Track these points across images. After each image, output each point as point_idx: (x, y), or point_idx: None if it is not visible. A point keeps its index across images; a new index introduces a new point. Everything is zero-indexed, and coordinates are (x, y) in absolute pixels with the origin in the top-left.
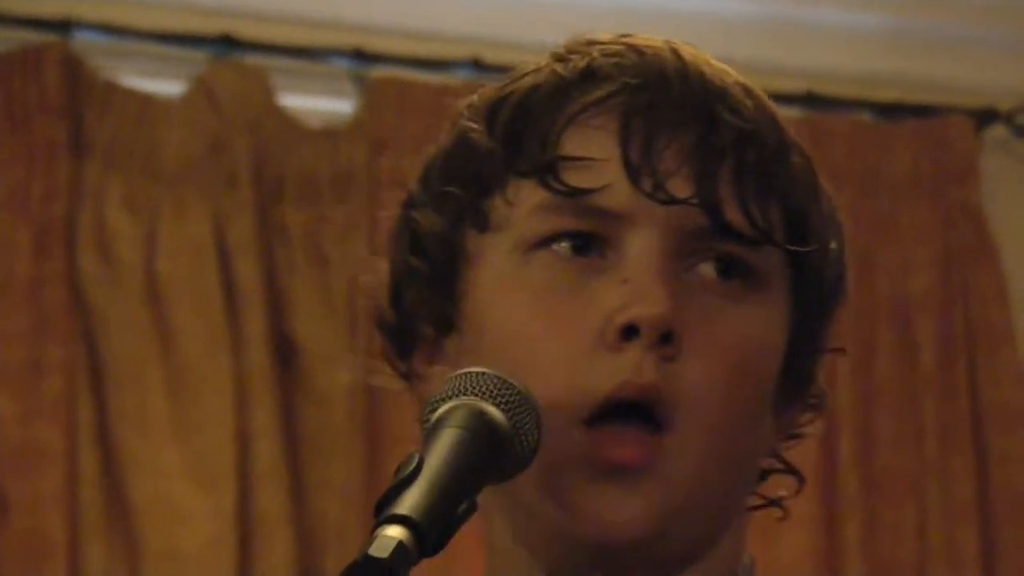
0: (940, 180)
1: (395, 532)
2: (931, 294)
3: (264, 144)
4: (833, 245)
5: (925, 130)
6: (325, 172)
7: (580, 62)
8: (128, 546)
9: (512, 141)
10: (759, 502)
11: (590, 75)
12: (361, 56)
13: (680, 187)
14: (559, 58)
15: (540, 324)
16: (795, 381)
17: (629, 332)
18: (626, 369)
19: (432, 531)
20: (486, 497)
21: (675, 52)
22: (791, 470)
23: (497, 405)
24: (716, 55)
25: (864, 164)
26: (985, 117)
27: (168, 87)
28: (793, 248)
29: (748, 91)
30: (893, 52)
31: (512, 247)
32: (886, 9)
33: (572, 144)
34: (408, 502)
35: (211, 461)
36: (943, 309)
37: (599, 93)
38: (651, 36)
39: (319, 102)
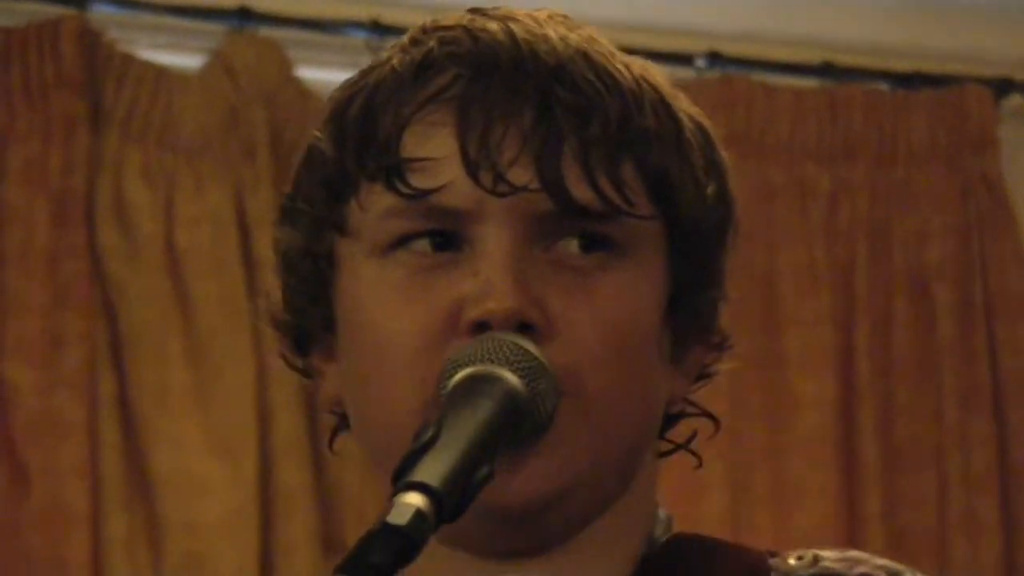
0: (958, 150)
1: (413, 499)
2: (949, 263)
3: (281, 116)
4: (710, 190)
5: (943, 100)
6: None
7: (418, 53)
8: (149, 518)
9: (358, 147)
10: (668, 448)
11: (427, 67)
12: (378, 28)
13: (522, 174)
14: (403, 48)
15: (398, 319)
16: (690, 325)
17: (480, 328)
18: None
19: (450, 498)
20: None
21: (507, 31)
22: (703, 412)
23: (514, 371)
24: (733, 26)
25: (881, 134)
26: (1003, 86)
27: (185, 60)
28: (645, 216)
29: (589, 59)
30: (910, 22)
31: (369, 251)
32: None
33: (413, 143)
34: (426, 469)
35: (232, 433)
36: (961, 278)
37: (434, 87)
38: (494, 11)
39: (336, 74)
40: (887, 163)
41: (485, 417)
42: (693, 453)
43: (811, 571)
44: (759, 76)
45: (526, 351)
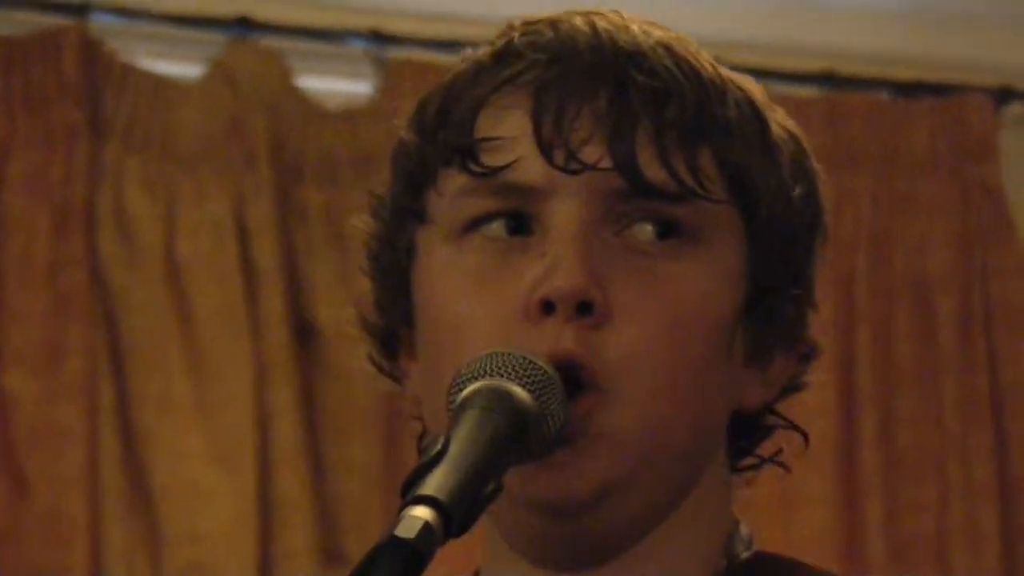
0: (958, 158)
1: (421, 513)
2: (950, 272)
3: (282, 126)
4: (796, 191)
5: (943, 108)
6: (343, 153)
7: (499, 44)
8: (149, 527)
9: (435, 133)
10: (753, 462)
11: (505, 56)
12: (379, 37)
13: (594, 154)
14: (489, 43)
15: (469, 305)
16: (771, 329)
17: (547, 306)
18: (545, 341)
19: (458, 512)
20: None
21: (590, 23)
22: (791, 425)
23: (523, 385)
24: (734, 35)
25: (882, 143)
26: (1004, 95)
27: (186, 69)
28: (721, 200)
29: (670, 50)
30: (911, 30)
31: (445, 236)
32: None
33: (487, 124)
34: (434, 483)
35: (231, 442)
36: (962, 287)
37: (510, 72)
38: (597, 9)
39: (337, 84)
40: (888, 172)
41: (494, 431)
42: (783, 466)
43: None
44: (760, 85)
45: (536, 365)
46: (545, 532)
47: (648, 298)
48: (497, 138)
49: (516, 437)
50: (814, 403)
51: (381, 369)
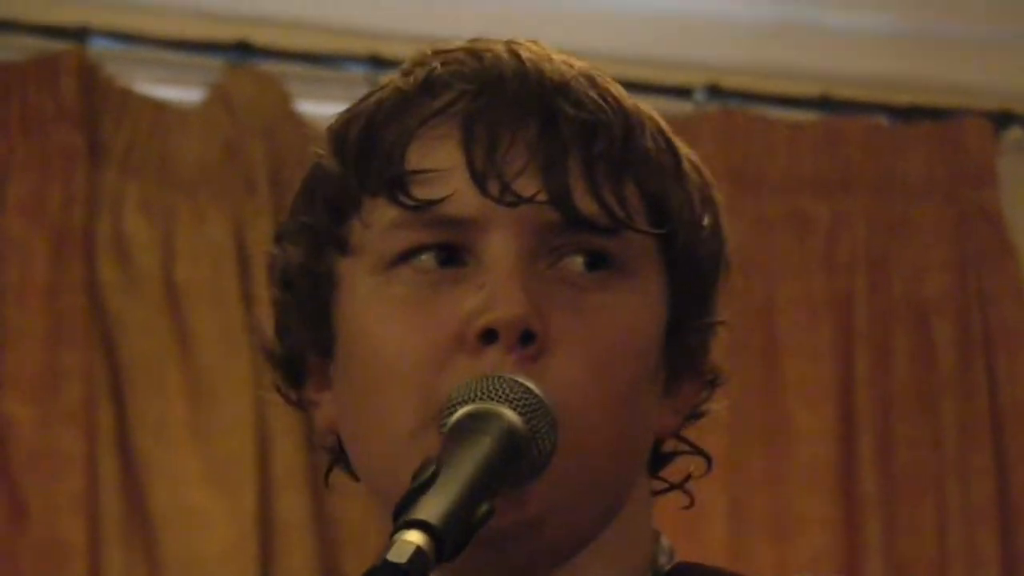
0: (956, 183)
1: (413, 537)
2: (948, 297)
3: (281, 150)
4: (705, 221)
5: (941, 133)
6: None
7: (420, 74)
8: (148, 552)
9: (360, 162)
10: (663, 487)
11: (430, 86)
12: (377, 62)
13: (528, 185)
14: (404, 72)
15: (400, 335)
16: (683, 359)
17: (488, 336)
18: (485, 371)
19: (450, 535)
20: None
21: (513, 53)
22: (696, 450)
23: (514, 409)
24: (732, 59)
25: (880, 167)
26: (1002, 119)
27: (184, 94)
28: (651, 231)
29: (593, 81)
30: (909, 55)
31: (372, 267)
32: (901, 12)
33: (417, 157)
34: (426, 507)
35: (230, 466)
36: (960, 311)
37: (439, 103)
38: (495, 39)
39: (336, 108)
40: (885, 196)
41: (485, 455)
42: (687, 493)
43: None
44: (757, 109)
45: (526, 388)
46: (473, 559)
47: (582, 329)
48: (429, 170)
49: (507, 460)
50: (812, 425)
51: (286, 398)
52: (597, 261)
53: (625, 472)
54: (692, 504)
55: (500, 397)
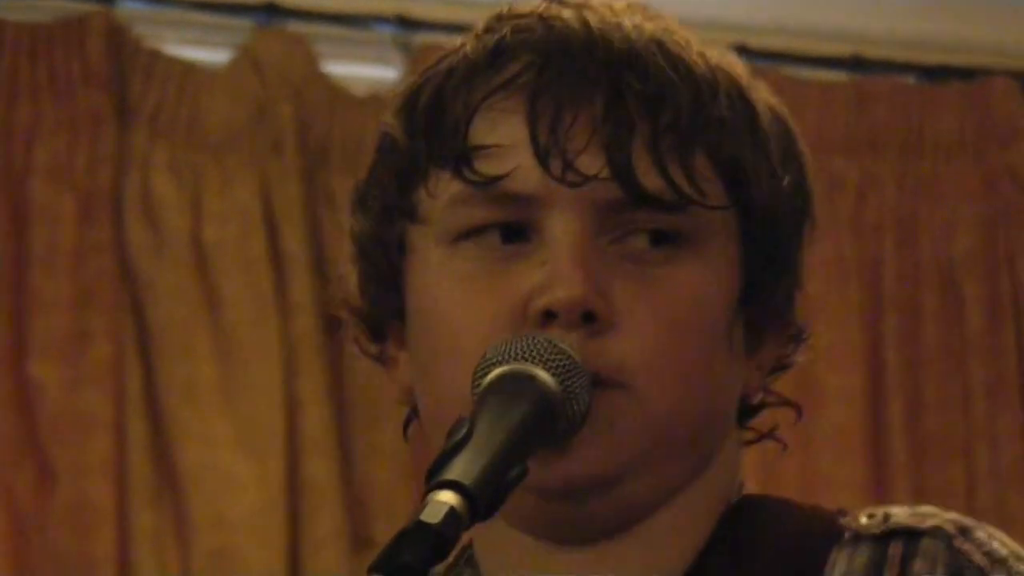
0: (984, 142)
1: (446, 497)
2: (976, 256)
3: (309, 111)
4: (786, 179)
5: (969, 92)
6: (370, 139)
7: (490, 41)
8: (176, 514)
9: (428, 132)
10: (752, 437)
11: (498, 54)
12: (404, 22)
13: (591, 162)
14: (476, 36)
15: (466, 310)
16: (764, 317)
17: (548, 316)
18: None
19: (483, 496)
20: None
21: (581, 19)
22: (784, 401)
23: (547, 369)
24: (761, 19)
25: (908, 127)
26: None
27: (212, 55)
28: (718, 206)
29: (663, 48)
30: (937, 15)
31: (438, 239)
32: None
33: (482, 131)
34: (459, 467)
35: (259, 428)
36: (989, 271)
37: (506, 75)
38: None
39: (363, 69)
40: (914, 156)
41: (518, 416)
42: (778, 440)
43: (883, 528)
44: (787, 69)
45: (560, 349)
46: (550, 514)
47: (647, 304)
48: (493, 146)
49: (541, 421)
50: (841, 387)
51: (367, 352)
52: (662, 238)
53: (704, 433)
54: (785, 448)
55: (534, 357)
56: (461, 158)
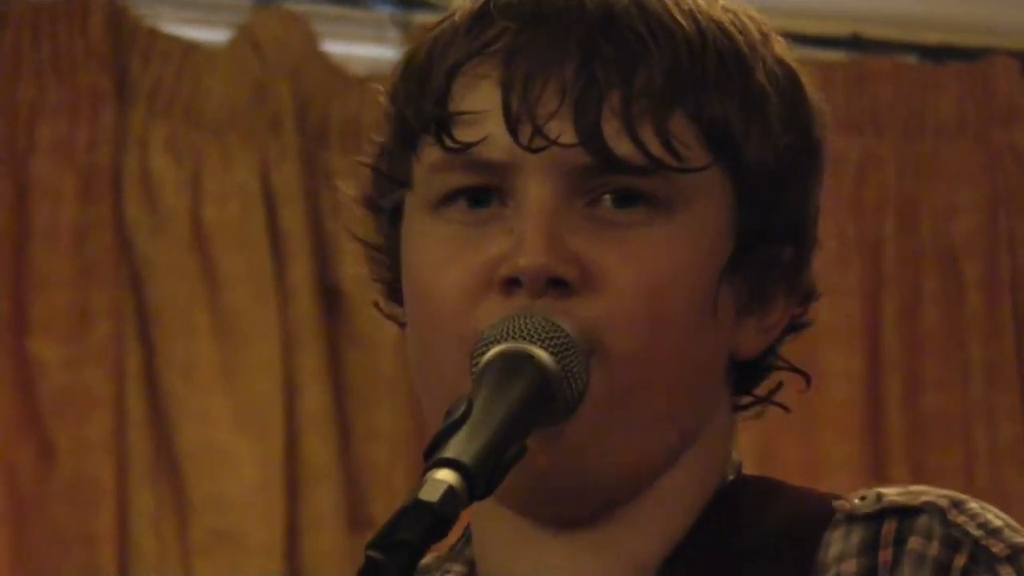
0: (985, 122)
1: (445, 476)
2: (976, 237)
3: (308, 90)
4: (786, 136)
5: (970, 72)
6: (368, 118)
7: (476, 7)
8: (175, 492)
9: (414, 97)
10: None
11: (480, 19)
12: (403, 1)
13: (560, 128)
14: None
15: (439, 275)
16: (767, 276)
17: (513, 283)
18: (515, 310)
19: (481, 474)
20: None
21: None
22: (791, 367)
23: (545, 348)
24: (761, 0)
25: (909, 107)
26: None
27: (211, 34)
28: (690, 168)
29: (643, 9)
30: None
31: (422, 206)
32: None
33: (459, 97)
34: (457, 446)
35: (258, 408)
36: (989, 252)
37: (483, 39)
38: None
39: (362, 48)
40: (915, 136)
41: (516, 394)
42: (780, 405)
43: (876, 507)
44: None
45: (558, 328)
46: (537, 498)
47: (620, 267)
48: (468, 112)
49: (539, 399)
50: (841, 367)
51: (387, 315)
52: (635, 200)
53: (682, 400)
54: (788, 412)
55: (532, 336)
56: (440, 124)
